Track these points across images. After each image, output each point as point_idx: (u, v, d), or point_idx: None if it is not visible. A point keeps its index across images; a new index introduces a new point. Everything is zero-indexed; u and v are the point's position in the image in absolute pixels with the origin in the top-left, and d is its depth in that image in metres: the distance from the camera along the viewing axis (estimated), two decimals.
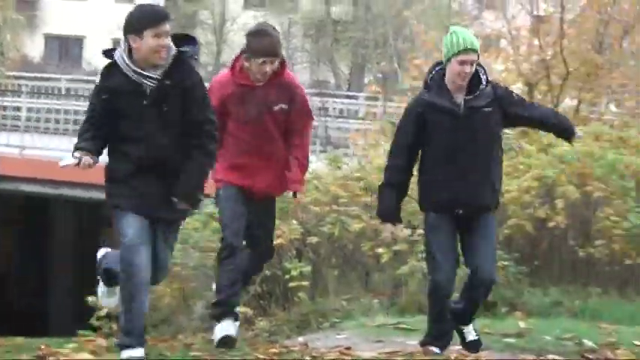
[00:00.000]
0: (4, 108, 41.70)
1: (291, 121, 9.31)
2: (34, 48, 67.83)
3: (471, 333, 9.25)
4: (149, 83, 7.49)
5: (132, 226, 7.70)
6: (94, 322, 13.91)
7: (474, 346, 9.20)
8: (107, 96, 7.57)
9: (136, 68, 7.46)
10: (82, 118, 33.77)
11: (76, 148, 7.45)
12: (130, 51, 7.52)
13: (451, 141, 8.52)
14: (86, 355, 8.73)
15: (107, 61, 7.90)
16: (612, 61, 22.99)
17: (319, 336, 11.13)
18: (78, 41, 71.62)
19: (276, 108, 9.09)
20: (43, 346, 9.07)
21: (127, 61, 7.51)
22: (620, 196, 13.82)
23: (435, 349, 9.10)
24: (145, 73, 7.47)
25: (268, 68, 8.85)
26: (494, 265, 9.34)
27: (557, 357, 9.60)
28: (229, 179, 9.32)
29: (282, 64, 9.17)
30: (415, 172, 9.19)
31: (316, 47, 55.08)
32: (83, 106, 38.79)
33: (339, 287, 13.32)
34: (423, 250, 11.81)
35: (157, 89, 7.51)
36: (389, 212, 8.99)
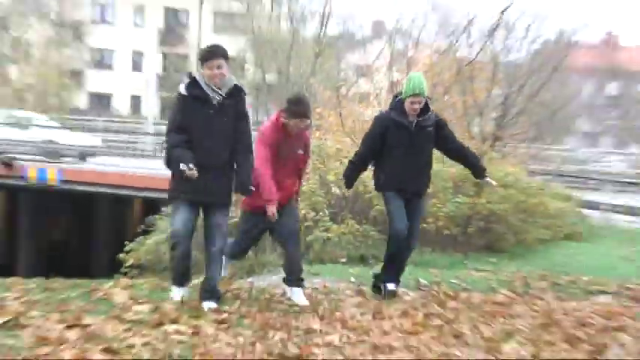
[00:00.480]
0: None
1: (302, 159, 9.50)
2: (81, 101, 68.08)
3: (391, 285, 9.74)
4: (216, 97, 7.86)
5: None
6: (123, 270, 14.19)
7: (391, 294, 9.61)
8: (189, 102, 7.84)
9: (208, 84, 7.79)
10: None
11: (187, 162, 7.68)
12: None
13: (405, 147, 9.28)
14: (118, 290, 8.83)
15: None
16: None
17: (260, 278, 11.03)
18: (107, 97, 71.79)
19: (299, 151, 9.30)
20: (92, 284, 9.34)
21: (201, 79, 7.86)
22: (442, 192, 14.88)
23: (391, 286, 9.67)
24: (213, 88, 7.82)
25: (303, 126, 9.09)
26: (417, 236, 9.88)
27: (403, 289, 10.07)
28: None
29: None
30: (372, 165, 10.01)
31: (256, 101, 55.38)
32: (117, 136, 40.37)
33: (272, 247, 13.24)
34: (323, 225, 13.82)
35: (220, 103, 7.87)
36: (348, 181, 10.02)
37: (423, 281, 10.95)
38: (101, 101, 69.74)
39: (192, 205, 8.14)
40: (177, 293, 8.37)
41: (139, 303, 8.00)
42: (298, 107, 8.99)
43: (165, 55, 70.93)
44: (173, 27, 72.03)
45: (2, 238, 38.25)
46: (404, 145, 9.32)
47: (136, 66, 70.92)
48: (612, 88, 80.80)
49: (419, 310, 8.84)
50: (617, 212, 20.91)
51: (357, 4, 64.86)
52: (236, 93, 8.08)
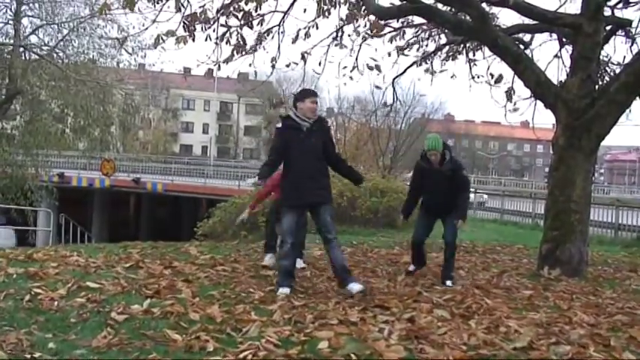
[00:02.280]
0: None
1: None
2: (176, 149, 67.78)
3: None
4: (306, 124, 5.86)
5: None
6: (196, 237, 12.82)
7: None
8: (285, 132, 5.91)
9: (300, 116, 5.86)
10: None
11: (262, 177, 5.91)
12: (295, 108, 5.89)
13: (431, 184, 7.04)
14: (193, 247, 8.48)
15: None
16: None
17: None
18: (190, 146, 71.39)
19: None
20: (179, 244, 9.05)
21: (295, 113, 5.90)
22: (364, 195, 13.94)
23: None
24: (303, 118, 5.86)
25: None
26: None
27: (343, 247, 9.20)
28: None
29: None
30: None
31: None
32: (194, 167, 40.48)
33: None
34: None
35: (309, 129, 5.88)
36: (405, 211, 7.52)
37: (354, 242, 10.47)
38: (186, 149, 70.27)
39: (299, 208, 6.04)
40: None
41: (203, 254, 7.72)
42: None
43: (220, 126, 71.68)
44: (224, 111, 72.90)
45: (134, 221, 38.10)
46: (430, 182, 7.02)
47: (205, 130, 71.86)
48: (450, 142, 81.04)
49: (351, 257, 8.21)
50: None
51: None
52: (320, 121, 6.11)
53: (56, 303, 4.68)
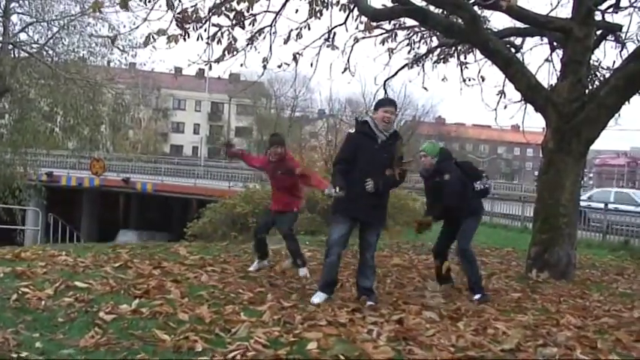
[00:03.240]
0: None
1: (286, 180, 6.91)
2: (166, 149, 67.50)
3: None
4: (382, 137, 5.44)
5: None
6: (185, 237, 12.90)
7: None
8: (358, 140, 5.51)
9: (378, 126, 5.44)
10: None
11: (340, 186, 5.27)
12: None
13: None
14: (182, 248, 8.35)
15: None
16: None
17: None
18: (180, 147, 70.91)
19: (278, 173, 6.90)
20: (168, 244, 9.13)
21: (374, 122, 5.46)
22: None
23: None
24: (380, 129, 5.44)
25: (273, 152, 6.90)
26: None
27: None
28: None
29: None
30: None
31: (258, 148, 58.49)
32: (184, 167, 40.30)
33: None
34: None
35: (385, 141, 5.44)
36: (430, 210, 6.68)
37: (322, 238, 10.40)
38: (177, 149, 70.06)
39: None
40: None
41: (193, 255, 7.69)
42: (270, 138, 7.21)
43: (210, 126, 71.56)
44: (215, 111, 72.81)
45: (123, 221, 38.00)
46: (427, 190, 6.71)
47: (196, 131, 71.69)
48: (441, 145, 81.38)
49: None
50: None
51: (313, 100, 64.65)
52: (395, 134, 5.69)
53: (44, 302, 4.65)
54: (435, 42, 11.12)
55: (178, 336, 4.03)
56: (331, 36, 9.44)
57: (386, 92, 11.82)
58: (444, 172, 6.47)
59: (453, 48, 11.04)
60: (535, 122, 30.35)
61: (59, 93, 18.43)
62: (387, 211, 5.95)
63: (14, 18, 19.09)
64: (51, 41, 18.82)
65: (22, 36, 19.32)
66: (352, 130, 5.79)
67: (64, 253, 7.00)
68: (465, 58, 11.25)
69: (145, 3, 7.53)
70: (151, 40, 7.35)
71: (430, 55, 11.32)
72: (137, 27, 8.26)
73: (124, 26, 17.72)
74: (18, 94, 18.98)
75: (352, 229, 5.60)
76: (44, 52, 18.92)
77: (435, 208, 6.61)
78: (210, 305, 4.92)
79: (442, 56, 11.34)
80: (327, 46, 9.51)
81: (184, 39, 7.67)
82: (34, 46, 19.06)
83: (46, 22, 18.68)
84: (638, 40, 9.57)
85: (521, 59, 9.33)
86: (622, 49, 9.74)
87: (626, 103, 8.25)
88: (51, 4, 18.76)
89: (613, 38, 9.65)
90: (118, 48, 18.16)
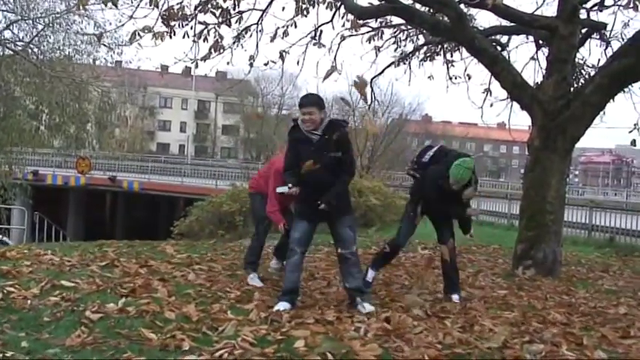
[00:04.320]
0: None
1: None
2: (153, 147, 67.25)
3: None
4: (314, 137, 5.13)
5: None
6: (172, 236, 12.89)
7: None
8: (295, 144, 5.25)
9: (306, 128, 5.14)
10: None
11: (290, 183, 5.13)
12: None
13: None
14: (169, 246, 8.34)
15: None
16: None
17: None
18: (167, 145, 70.81)
19: None
20: (155, 243, 8.93)
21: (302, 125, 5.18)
22: None
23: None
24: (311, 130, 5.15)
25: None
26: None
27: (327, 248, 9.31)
28: None
29: None
30: None
31: (245, 146, 57.24)
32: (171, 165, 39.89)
33: None
34: None
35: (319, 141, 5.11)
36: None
37: (331, 241, 10.19)
38: (163, 147, 69.85)
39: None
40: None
41: (180, 253, 7.67)
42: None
43: (197, 124, 71.36)
44: (201, 109, 72.63)
45: (110, 219, 37.83)
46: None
47: (182, 129, 71.45)
48: (427, 142, 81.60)
49: (328, 257, 7.97)
50: None
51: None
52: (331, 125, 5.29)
53: (29, 302, 4.62)
54: (421, 40, 11.15)
55: (165, 335, 4.02)
56: (318, 34, 9.45)
57: (372, 90, 11.83)
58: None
59: (440, 46, 11.09)
60: (521, 120, 30.54)
61: (44, 91, 18.27)
62: (349, 197, 5.53)
63: None
64: (36, 39, 18.63)
65: (7, 34, 19.10)
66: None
67: (50, 252, 6.95)
68: (451, 57, 11.30)
69: (130, 0, 7.50)
70: (137, 37, 7.35)
71: (416, 53, 11.36)
72: (123, 24, 8.21)
73: (110, 24, 17.45)
74: (3, 92, 18.79)
75: (314, 227, 5.33)
76: (29, 50, 18.73)
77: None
78: (197, 304, 4.89)
79: (428, 54, 11.38)
80: (314, 44, 9.52)
81: (170, 36, 7.66)
82: (19, 43, 18.85)
83: (31, 19, 18.48)
84: (622, 39, 9.63)
85: (507, 57, 9.36)
86: (607, 47, 9.81)
87: (611, 101, 8.33)
88: (36, 1, 18.57)
89: (598, 36, 9.71)
90: (104, 45, 18.00)
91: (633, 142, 9.27)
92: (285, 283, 5.25)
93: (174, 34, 7.73)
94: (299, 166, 5.15)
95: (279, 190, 5.39)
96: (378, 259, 6.34)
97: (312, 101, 5.27)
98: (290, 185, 5.16)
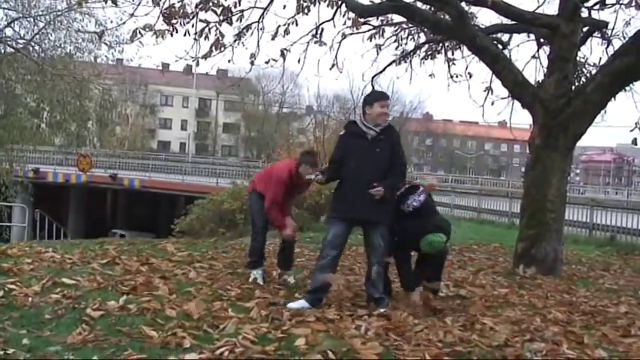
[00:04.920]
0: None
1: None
2: (153, 145, 67.22)
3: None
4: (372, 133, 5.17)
5: None
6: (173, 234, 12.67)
7: None
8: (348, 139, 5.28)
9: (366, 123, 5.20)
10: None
11: (324, 173, 5.26)
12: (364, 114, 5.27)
13: None
14: (170, 244, 8.31)
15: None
16: None
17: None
18: (168, 143, 70.74)
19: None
20: (156, 241, 9.35)
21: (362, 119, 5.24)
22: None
23: None
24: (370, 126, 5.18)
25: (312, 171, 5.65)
26: None
27: None
28: None
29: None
30: None
31: (246, 144, 57.31)
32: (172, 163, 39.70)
33: None
34: None
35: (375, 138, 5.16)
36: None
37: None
38: (164, 145, 69.91)
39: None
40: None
41: (181, 251, 7.66)
42: (314, 158, 6.09)
43: (198, 122, 71.34)
44: (202, 107, 72.66)
45: (110, 217, 37.86)
46: None
47: (183, 127, 71.51)
48: (428, 141, 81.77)
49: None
50: None
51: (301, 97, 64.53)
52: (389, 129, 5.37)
53: (30, 299, 4.62)
54: (422, 38, 11.12)
55: (166, 332, 4.02)
56: (319, 32, 9.40)
57: (373, 88, 11.80)
58: None
59: (441, 44, 11.06)
60: (522, 118, 30.46)
61: (46, 89, 18.26)
62: (392, 206, 5.29)
63: (0, 13, 18.89)
64: (37, 37, 18.61)
65: (8, 31, 19.10)
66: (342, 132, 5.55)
67: (51, 249, 6.97)
68: (453, 55, 11.26)
69: None
70: (138, 35, 7.34)
71: (418, 52, 11.32)
72: (124, 22, 8.23)
73: (111, 22, 17.44)
74: (4, 89, 18.77)
75: (349, 230, 5.25)
76: (30, 48, 18.72)
77: None
78: (198, 302, 4.87)
79: (430, 52, 11.34)
80: (315, 42, 9.49)
81: (171, 35, 7.64)
82: (20, 41, 18.84)
83: (32, 17, 18.47)
84: (623, 37, 9.61)
85: (508, 56, 9.36)
86: (608, 46, 9.78)
87: (612, 99, 8.31)
88: None
89: (599, 35, 9.70)
90: (105, 44, 17.99)
91: (634, 141, 9.26)
92: (313, 282, 5.27)
93: (176, 32, 7.71)
94: (341, 163, 5.21)
95: (308, 176, 5.51)
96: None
97: (389, 97, 5.47)
98: (317, 174, 5.25)
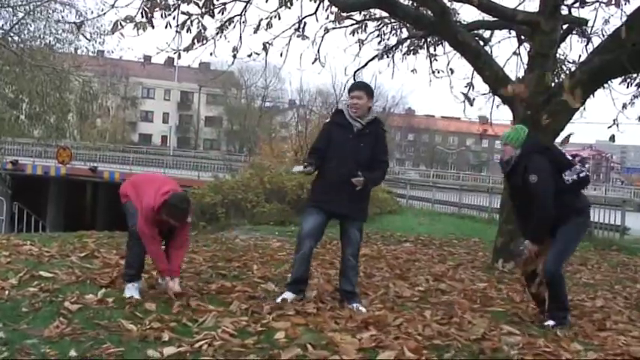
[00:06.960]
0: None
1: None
2: (135, 138, 66.67)
3: None
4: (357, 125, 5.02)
5: None
6: None
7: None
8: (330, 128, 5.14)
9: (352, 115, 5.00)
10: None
11: (309, 162, 4.98)
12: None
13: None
14: None
15: None
16: None
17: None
18: (149, 136, 70.22)
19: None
20: None
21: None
22: None
23: None
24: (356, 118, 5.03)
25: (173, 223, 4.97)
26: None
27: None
28: None
29: None
30: None
31: (227, 138, 56.12)
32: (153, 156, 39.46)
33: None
34: (262, 204, 14.03)
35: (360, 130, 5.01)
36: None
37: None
38: (145, 138, 69.46)
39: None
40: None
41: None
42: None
43: (180, 115, 71.01)
44: (184, 100, 72.29)
45: (90, 210, 37.51)
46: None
47: (165, 120, 71.19)
48: (410, 136, 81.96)
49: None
50: (414, 200, 21.01)
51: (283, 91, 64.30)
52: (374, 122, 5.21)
53: (7, 292, 4.59)
54: (404, 33, 11.16)
55: (145, 326, 4.01)
56: (301, 26, 9.42)
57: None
58: (530, 171, 4.91)
59: (423, 40, 11.10)
60: (503, 114, 30.62)
61: (25, 80, 18.05)
62: (369, 202, 5.34)
63: None
64: (16, 27, 18.39)
65: None
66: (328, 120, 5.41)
67: (29, 242, 6.93)
68: (435, 50, 11.31)
69: None
70: (119, 27, 7.26)
71: (400, 47, 11.36)
72: (104, 13, 8.14)
73: (92, 12, 17.35)
74: None
75: (326, 221, 5.10)
76: (9, 38, 18.50)
77: (531, 228, 5.04)
78: (177, 295, 4.86)
79: (412, 48, 11.38)
80: (298, 36, 9.49)
81: (152, 27, 7.56)
82: None
83: (10, 7, 18.26)
84: (603, 35, 9.71)
85: (489, 52, 9.39)
86: (587, 44, 9.87)
87: (591, 96, 8.36)
88: None
89: (579, 32, 9.77)
90: (84, 36, 17.83)
91: (612, 138, 9.32)
92: (293, 272, 5.15)
93: (156, 26, 7.64)
94: (324, 150, 5.03)
95: (295, 169, 5.25)
96: None
97: (361, 86, 5.31)
98: (306, 164, 4.99)
